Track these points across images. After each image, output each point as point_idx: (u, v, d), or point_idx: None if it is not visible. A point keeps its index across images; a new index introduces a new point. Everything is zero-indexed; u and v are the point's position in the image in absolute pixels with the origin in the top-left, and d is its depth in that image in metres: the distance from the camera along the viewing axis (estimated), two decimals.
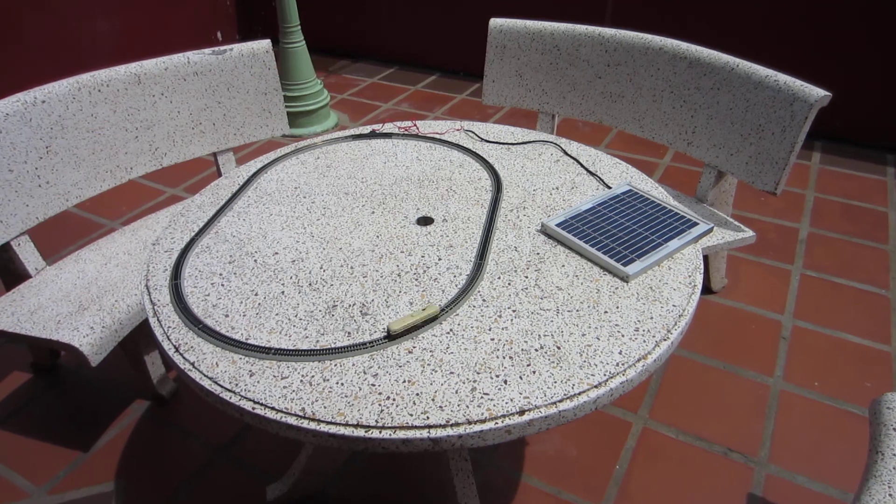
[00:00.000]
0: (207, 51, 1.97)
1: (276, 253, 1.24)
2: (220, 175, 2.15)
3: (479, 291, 1.12)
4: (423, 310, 1.05)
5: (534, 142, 1.60)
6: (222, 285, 1.16)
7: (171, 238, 1.30)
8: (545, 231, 1.26)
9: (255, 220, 1.34)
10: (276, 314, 1.09)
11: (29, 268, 1.75)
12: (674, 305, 1.06)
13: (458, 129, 1.68)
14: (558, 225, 1.25)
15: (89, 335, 1.52)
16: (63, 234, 2.59)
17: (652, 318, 1.04)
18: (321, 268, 1.19)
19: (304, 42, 3.17)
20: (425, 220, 1.32)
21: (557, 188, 1.41)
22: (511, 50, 2.09)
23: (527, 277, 1.14)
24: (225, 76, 2.00)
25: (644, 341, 0.99)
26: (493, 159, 1.53)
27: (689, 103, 1.81)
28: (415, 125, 1.69)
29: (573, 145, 1.58)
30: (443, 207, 1.35)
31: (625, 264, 1.14)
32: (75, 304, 1.62)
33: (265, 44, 2.02)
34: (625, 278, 1.13)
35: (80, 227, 2.62)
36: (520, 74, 2.11)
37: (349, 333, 1.04)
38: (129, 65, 1.87)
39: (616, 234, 1.22)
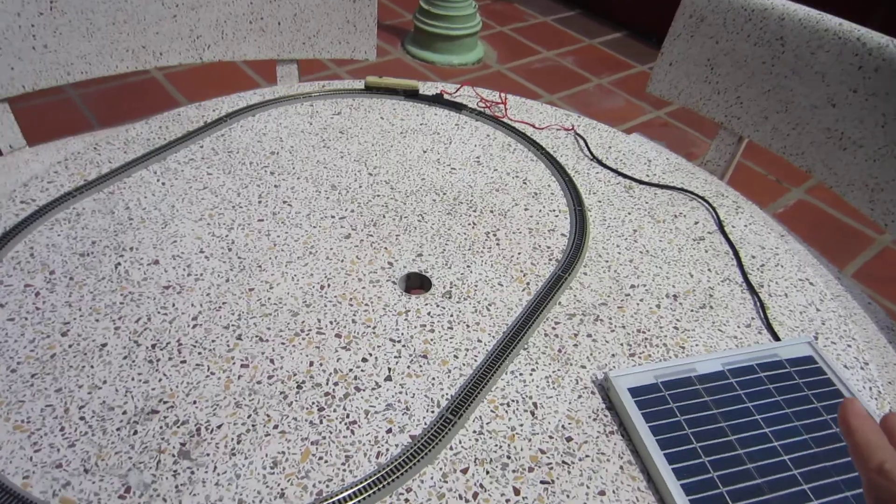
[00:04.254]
0: None
1: (156, 262, 0.74)
2: None
3: (406, 500, 0.55)
4: None
5: (674, 189, 0.95)
6: (36, 295, 0.69)
7: (46, 182, 0.84)
8: (606, 390, 0.65)
9: (178, 189, 0.85)
10: (58, 390, 0.60)
11: (1, 144, 1.40)
12: None
13: (567, 129, 1.06)
14: (634, 390, 0.64)
15: None
16: (139, 103, 2.28)
17: None
18: (194, 319, 0.68)
19: None
20: (416, 282, 0.76)
21: (677, 297, 0.77)
22: (712, 26, 1.38)
23: (523, 496, 0.56)
24: None
25: None
26: (595, 199, 0.91)
27: None
28: (504, 102, 1.09)
29: (744, 212, 0.92)
30: (461, 266, 0.78)
31: None
32: None
33: None
34: None
35: (158, 100, 2.30)
36: (712, 65, 1.41)
37: (123, 490, 0.53)
38: None
39: (747, 447, 0.59)
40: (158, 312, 0.68)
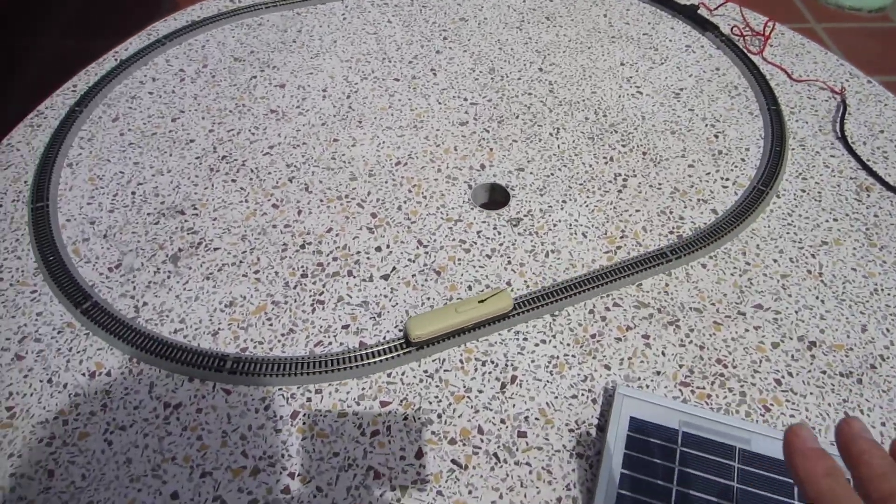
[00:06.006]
0: None
1: (282, 86, 0.75)
2: None
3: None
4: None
5: None
6: (181, 80, 0.76)
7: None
8: (615, 404, 0.49)
9: (351, 27, 0.84)
10: (136, 163, 0.67)
11: None
12: None
13: (834, 91, 0.77)
14: (639, 424, 0.47)
15: None
16: None
17: None
18: (271, 147, 0.68)
19: None
20: (500, 195, 0.65)
21: (814, 346, 0.54)
22: None
23: (422, 463, 0.47)
24: None
25: None
26: (800, 185, 0.66)
27: None
28: (766, 35, 0.83)
29: None
30: (555, 198, 0.64)
31: None
32: None
33: None
34: None
35: None
36: None
37: (115, 265, 0.58)
38: None
39: None
40: (249, 130, 0.70)
